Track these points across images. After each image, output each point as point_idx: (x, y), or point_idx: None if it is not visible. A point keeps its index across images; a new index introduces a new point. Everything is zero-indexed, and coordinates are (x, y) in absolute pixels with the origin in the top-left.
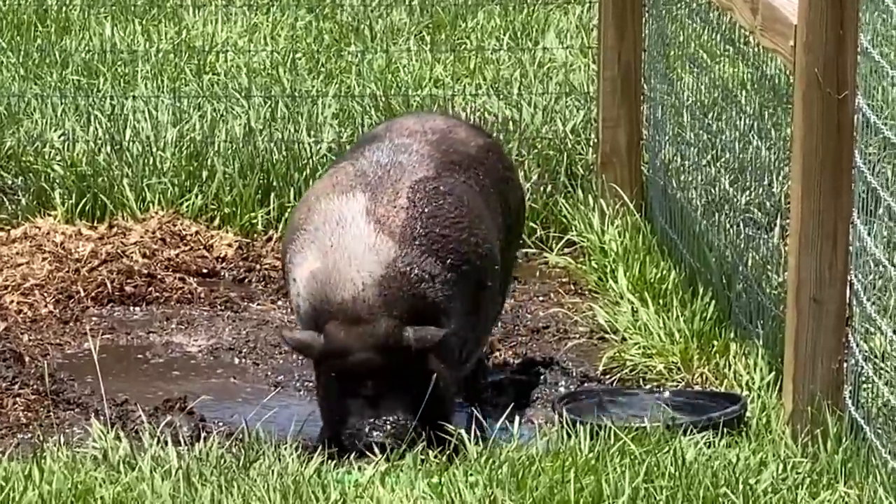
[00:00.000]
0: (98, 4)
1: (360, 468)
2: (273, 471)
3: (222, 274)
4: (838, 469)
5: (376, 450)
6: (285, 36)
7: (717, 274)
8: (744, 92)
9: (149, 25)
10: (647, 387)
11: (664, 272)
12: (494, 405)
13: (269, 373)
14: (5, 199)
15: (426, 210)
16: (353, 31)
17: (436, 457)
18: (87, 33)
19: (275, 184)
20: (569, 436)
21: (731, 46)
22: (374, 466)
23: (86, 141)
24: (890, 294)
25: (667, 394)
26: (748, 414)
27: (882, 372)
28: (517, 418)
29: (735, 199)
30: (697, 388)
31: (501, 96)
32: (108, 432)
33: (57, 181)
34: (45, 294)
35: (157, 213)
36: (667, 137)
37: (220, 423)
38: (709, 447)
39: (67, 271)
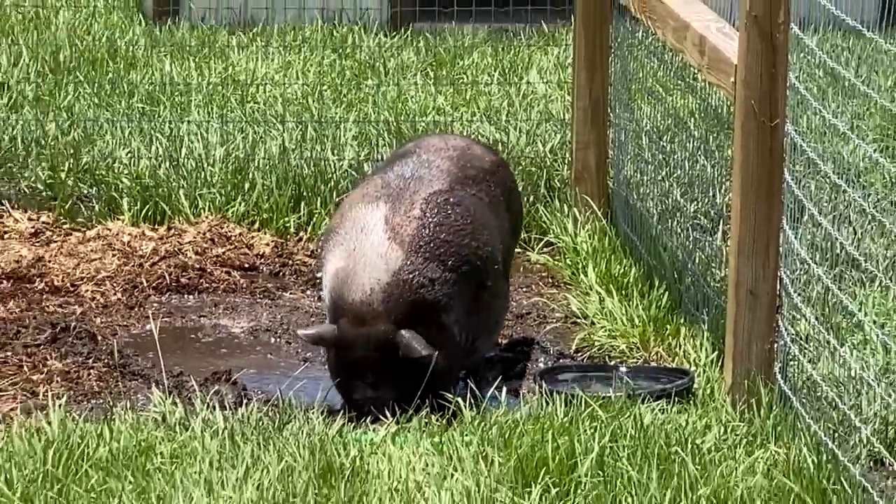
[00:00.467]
0: (159, 45)
1: (374, 429)
2: (303, 431)
3: (261, 268)
4: (769, 432)
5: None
6: (314, 71)
7: (670, 270)
8: (692, 119)
9: (201, 62)
10: (613, 363)
11: (626, 268)
12: (486, 378)
13: (300, 350)
14: (82, 206)
15: (435, 219)
16: (369, 67)
17: (437, 421)
18: (150, 69)
19: (305, 194)
20: (547, 403)
21: (682, 81)
22: (386, 428)
23: (148, 158)
24: (813, 287)
25: (623, 368)
26: (695, 386)
27: (806, 351)
28: (504, 389)
29: (685, 208)
30: (653, 364)
31: (492, 122)
32: (165, 399)
33: (124, 191)
34: (115, 284)
35: (207, 217)
36: (628, 157)
37: (259, 392)
38: (663, 413)
39: (133, 266)
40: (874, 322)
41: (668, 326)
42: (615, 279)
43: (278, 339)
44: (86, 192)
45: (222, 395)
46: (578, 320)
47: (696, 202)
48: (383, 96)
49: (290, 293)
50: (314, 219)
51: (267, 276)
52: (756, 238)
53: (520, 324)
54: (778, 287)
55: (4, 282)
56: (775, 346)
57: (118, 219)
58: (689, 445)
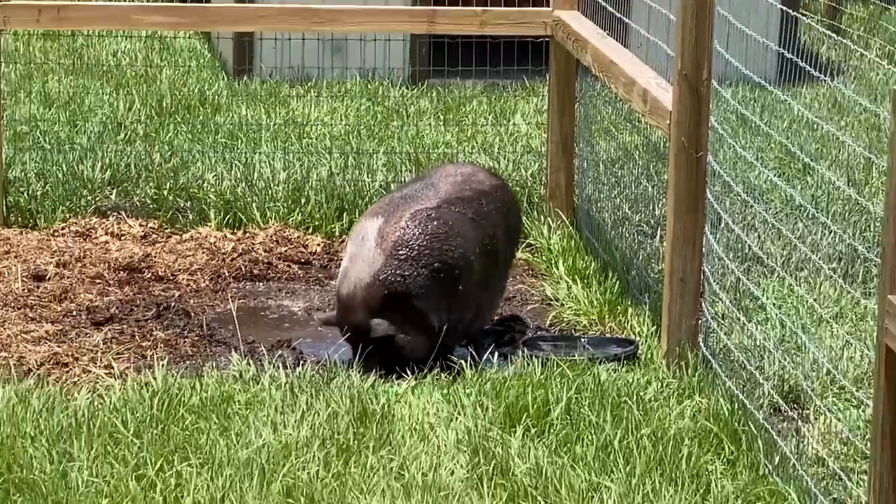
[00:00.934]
0: (237, 95)
1: (398, 384)
2: (345, 385)
3: (313, 262)
4: (695, 386)
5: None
6: (353, 115)
7: (620, 264)
8: (637, 152)
9: (269, 108)
10: (577, 334)
11: (587, 263)
12: (483, 346)
13: None
14: (179, 215)
15: (414, 230)
16: (395, 112)
17: (445, 378)
18: (231, 113)
19: (346, 207)
20: (528, 365)
21: (629, 123)
22: (406, 383)
23: (229, 180)
24: (727, 277)
25: (585, 338)
26: (639, 352)
27: (722, 326)
28: (496, 354)
29: (631, 218)
30: (608, 335)
31: (487, 153)
32: (242, 361)
33: (211, 204)
34: (204, 274)
35: (273, 224)
36: (589, 180)
37: (312, 356)
38: (615, 372)
39: (217, 260)
40: (773, 304)
41: (619, 307)
42: (579, 271)
43: None
44: (182, 205)
45: (284, 358)
46: (552, 302)
47: (639, 214)
48: (405, 134)
49: (335, 282)
50: (352, 226)
51: (318, 269)
52: (685, 240)
53: (507, 304)
54: (701, 277)
55: (121, 272)
56: (699, 322)
57: (206, 225)
58: (635, 397)
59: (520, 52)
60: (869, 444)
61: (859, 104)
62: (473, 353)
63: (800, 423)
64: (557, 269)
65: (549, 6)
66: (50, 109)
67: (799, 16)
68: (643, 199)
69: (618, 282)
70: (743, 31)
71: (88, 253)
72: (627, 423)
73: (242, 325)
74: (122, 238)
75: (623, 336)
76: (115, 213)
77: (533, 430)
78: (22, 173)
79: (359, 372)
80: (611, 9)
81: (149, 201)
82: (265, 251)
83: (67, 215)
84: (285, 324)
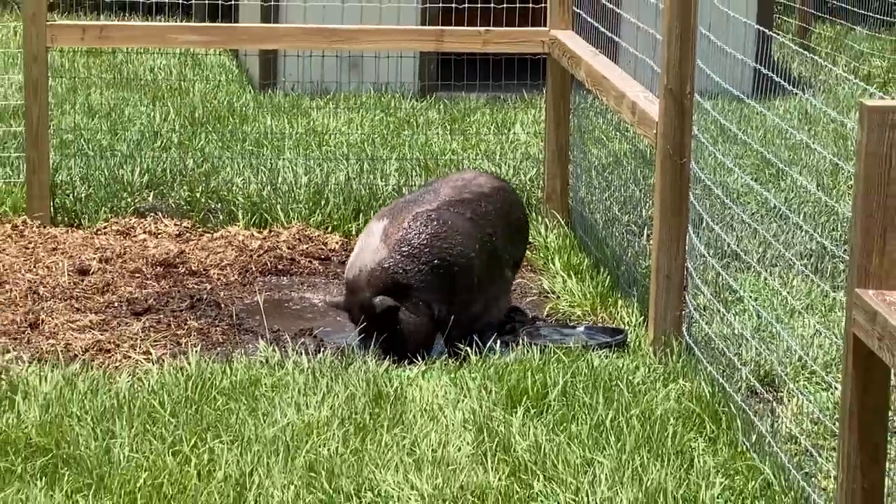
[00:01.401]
0: (263, 106)
1: (409, 369)
2: (362, 369)
3: (332, 259)
4: (679, 371)
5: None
6: (368, 125)
7: (611, 261)
8: (626, 158)
9: (291, 119)
10: (572, 323)
11: (581, 259)
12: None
13: None
14: (211, 216)
15: (415, 229)
16: (406, 122)
17: (453, 363)
18: (257, 123)
19: (362, 208)
20: (528, 351)
21: (619, 133)
22: (417, 368)
23: (256, 183)
24: (708, 272)
25: (580, 327)
26: (629, 340)
27: (703, 316)
28: (499, 341)
29: (621, 219)
30: (600, 324)
31: (490, 160)
32: (268, 348)
33: (239, 206)
34: (233, 269)
35: (295, 224)
36: (582, 184)
37: (332, 343)
38: (607, 358)
39: (245, 256)
40: (750, 296)
41: (610, 299)
42: (573, 267)
43: None
44: (213, 206)
45: (306, 345)
46: (549, 295)
47: (628, 215)
48: (415, 142)
49: None
50: None
51: (336, 264)
52: (670, 239)
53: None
54: (685, 272)
55: (158, 267)
56: (683, 313)
57: (235, 224)
58: (625, 380)
59: (519, 68)
60: (837, 423)
61: (827, 115)
62: (478, 341)
63: (774, 404)
64: (554, 264)
65: (546, 26)
66: (93, 119)
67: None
68: (632, 202)
69: (608, 276)
70: (722, 49)
71: (128, 250)
72: (618, 405)
73: (268, 316)
74: (159, 236)
75: (613, 326)
76: (152, 214)
77: (532, 411)
78: (68, 177)
79: (374, 358)
80: (602, 28)
81: (183, 203)
82: (288, 248)
83: (109, 216)
84: (307, 314)
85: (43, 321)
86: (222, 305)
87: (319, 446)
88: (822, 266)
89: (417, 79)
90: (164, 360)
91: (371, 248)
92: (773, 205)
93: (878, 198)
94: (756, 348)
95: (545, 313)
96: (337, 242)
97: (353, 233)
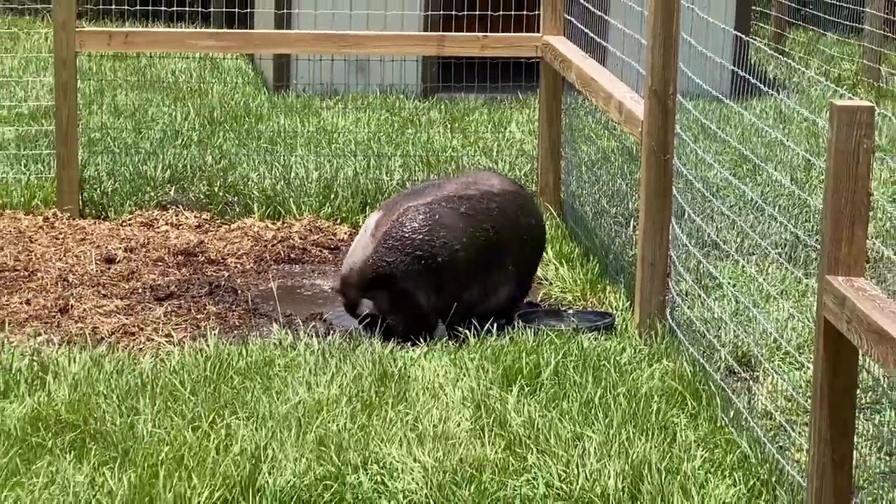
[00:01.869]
0: (276, 106)
1: (412, 351)
2: (368, 351)
3: (341, 248)
4: (663, 352)
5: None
6: (374, 124)
7: (600, 250)
8: (614, 155)
9: (303, 118)
10: (564, 308)
11: (573, 248)
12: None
13: None
14: (228, 208)
15: (404, 222)
16: (410, 121)
17: (453, 345)
18: (271, 122)
19: (368, 201)
20: (522, 334)
21: (607, 131)
22: (419, 349)
23: (270, 178)
24: (690, 260)
25: (571, 311)
26: (616, 323)
27: (685, 301)
28: (496, 325)
29: (609, 211)
30: (589, 309)
31: (487, 156)
32: (281, 331)
33: (255, 199)
34: (249, 258)
35: (307, 216)
36: (573, 178)
37: (341, 327)
38: (596, 340)
39: (260, 246)
40: (728, 283)
41: (599, 286)
42: (565, 255)
43: None
44: (230, 199)
45: (317, 328)
46: (542, 281)
47: (616, 207)
48: (418, 140)
49: None
50: None
51: (345, 253)
52: (654, 229)
53: None
54: (668, 261)
55: (179, 256)
56: (666, 298)
57: (251, 217)
58: (612, 361)
59: (515, 71)
60: (809, 400)
61: (801, 114)
62: (476, 323)
63: (751, 382)
64: (547, 253)
65: (539, 32)
66: (119, 119)
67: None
68: (619, 195)
69: (597, 264)
70: (702, 53)
71: (151, 240)
72: (606, 383)
73: (281, 301)
74: (180, 227)
75: (602, 310)
76: (173, 207)
77: (526, 389)
78: (95, 173)
79: (379, 341)
80: (591, 34)
81: (202, 196)
82: (300, 239)
83: (134, 208)
84: (318, 300)
85: (72, 306)
86: (239, 292)
87: (329, 422)
88: (795, 255)
89: (420, 81)
90: (184, 343)
91: (362, 243)
92: (750, 198)
93: (846, 192)
94: (734, 331)
95: (539, 298)
96: (345, 233)
97: (361, 224)
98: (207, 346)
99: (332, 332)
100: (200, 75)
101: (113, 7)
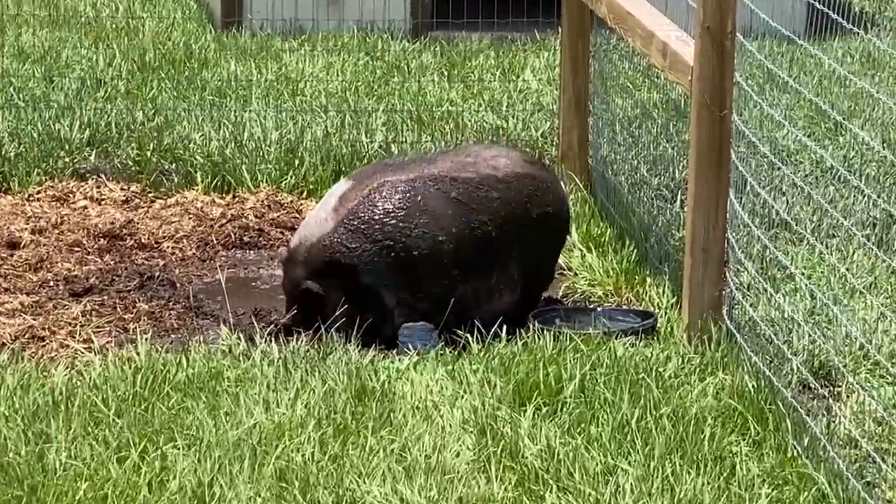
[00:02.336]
0: (226, 49)
1: (399, 359)
2: (342, 361)
3: None
4: (718, 362)
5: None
6: (350, 70)
7: (638, 231)
8: (656, 110)
9: (259, 63)
10: (592, 306)
11: (602, 230)
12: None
13: None
14: (164, 179)
15: (374, 201)
16: (395, 67)
17: (450, 353)
18: (219, 68)
19: (343, 169)
20: (539, 339)
21: (647, 79)
22: (409, 359)
23: (217, 140)
24: (753, 245)
25: (601, 310)
26: (658, 325)
27: (747, 297)
28: (505, 327)
29: (650, 181)
30: (625, 307)
31: (494, 112)
32: (231, 334)
33: (198, 166)
34: (190, 242)
35: (264, 188)
36: (604, 140)
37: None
38: (633, 347)
39: (205, 227)
40: (803, 273)
41: (637, 277)
42: (594, 238)
43: None
44: (167, 167)
45: (277, 331)
46: (564, 272)
47: (658, 176)
48: (407, 91)
49: None
50: None
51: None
52: (708, 205)
53: None
54: (725, 245)
55: (101, 239)
56: (723, 292)
57: (193, 189)
58: (654, 373)
59: (530, 3)
60: None
61: (895, 58)
62: (479, 324)
63: (831, 401)
64: (570, 236)
65: None
66: (24, 64)
67: None
68: (662, 161)
69: (635, 250)
70: None
71: (66, 219)
72: (645, 402)
73: (231, 297)
74: (102, 203)
75: (641, 308)
76: (94, 176)
77: (544, 409)
78: None
79: (357, 345)
80: None
81: (131, 163)
82: (256, 217)
83: (43, 178)
84: (278, 295)
85: None
86: (177, 285)
87: (292, 451)
88: (887, 237)
89: (409, 16)
90: (108, 350)
91: (320, 216)
92: (830, 164)
93: None
94: (809, 335)
95: (560, 294)
96: (313, 210)
97: None
98: (137, 354)
99: (296, 335)
100: (129, 9)
101: None
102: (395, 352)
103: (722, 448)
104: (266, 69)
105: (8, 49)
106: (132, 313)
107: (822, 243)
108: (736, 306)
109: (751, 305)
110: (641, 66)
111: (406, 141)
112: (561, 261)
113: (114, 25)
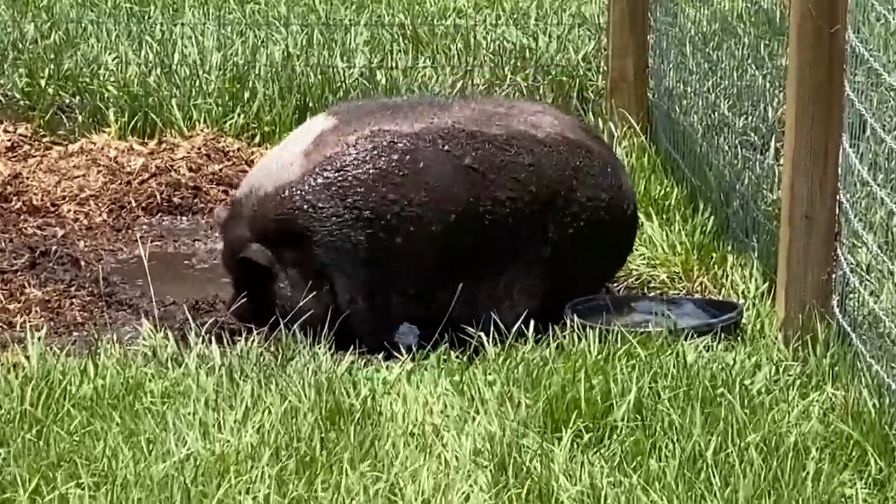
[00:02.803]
0: None
1: (387, 367)
2: (308, 369)
3: None
4: (826, 372)
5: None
6: None
7: (716, 192)
8: (741, 24)
9: None
10: (652, 294)
11: (667, 189)
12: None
13: None
14: (63, 117)
15: (359, 154)
16: None
17: (457, 358)
18: None
19: (311, 105)
20: (579, 339)
21: None
22: (400, 366)
23: (137, 64)
24: (875, 211)
25: (665, 298)
26: (744, 320)
27: (867, 283)
28: (532, 323)
29: (733, 123)
30: (697, 295)
31: (519, 26)
32: (156, 332)
33: (111, 100)
34: (100, 204)
35: (202, 130)
36: (671, 65)
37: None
38: (708, 351)
39: (120, 183)
40: None
41: (714, 254)
42: (655, 202)
43: None
44: (68, 101)
45: (219, 327)
46: None
47: (745, 116)
48: None
49: None
50: None
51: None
52: (812, 156)
53: None
54: (836, 211)
55: None
56: (833, 276)
57: (103, 131)
58: (737, 387)
59: None
60: None
61: None
62: (497, 319)
63: None
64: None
65: None
66: None
67: None
68: (750, 95)
69: (712, 217)
70: None
71: None
72: (726, 427)
73: (157, 280)
74: None
75: (720, 298)
76: None
77: (586, 437)
78: None
79: (330, 348)
80: None
81: (18, 96)
82: (190, 170)
83: None
84: (221, 277)
85: None
86: (82, 263)
87: (239, 493)
88: None
89: None
90: None
91: (283, 159)
92: None
93: None
94: None
95: None
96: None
97: None
98: (27, 358)
99: (245, 333)
100: None
101: None
102: (381, 356)
103: (831, 490)
104: None
105: None
106: (20, 302)
107: None
108: (851, 295)
109: (871, 294)
110: None
111: (396, 66)
112: None
113: None
